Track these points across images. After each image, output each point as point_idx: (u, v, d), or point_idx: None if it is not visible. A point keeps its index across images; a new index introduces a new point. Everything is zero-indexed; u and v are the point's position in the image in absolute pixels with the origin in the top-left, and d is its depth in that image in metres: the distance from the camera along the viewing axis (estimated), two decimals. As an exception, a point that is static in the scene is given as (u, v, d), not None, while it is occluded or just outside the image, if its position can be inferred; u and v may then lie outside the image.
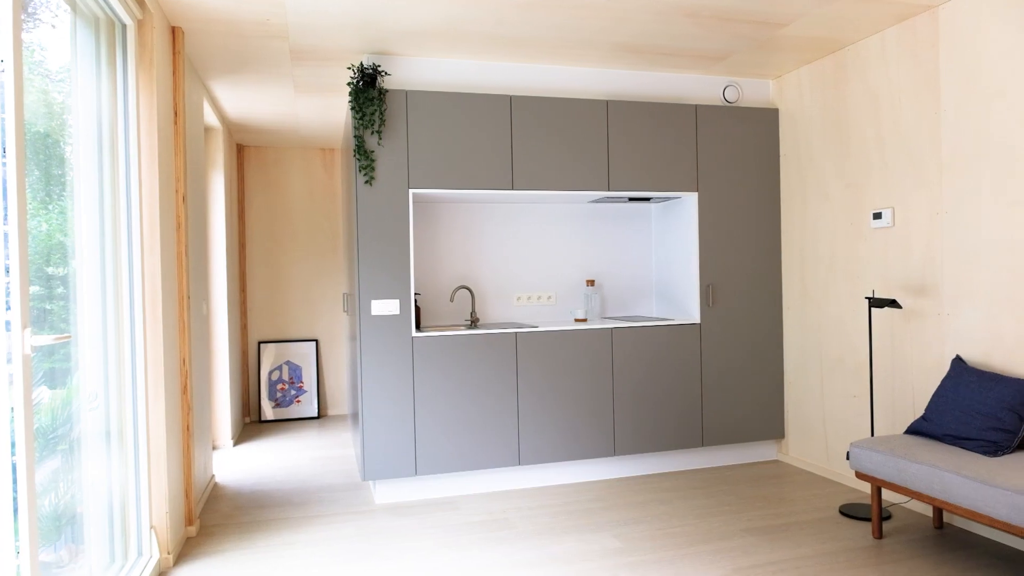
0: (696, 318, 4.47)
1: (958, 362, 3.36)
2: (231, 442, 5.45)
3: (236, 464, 4.94)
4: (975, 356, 3.36)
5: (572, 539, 3.37)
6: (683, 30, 3.78)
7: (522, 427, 4.13)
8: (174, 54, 3.48)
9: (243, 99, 4.93)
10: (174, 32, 3.49)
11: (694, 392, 4.45)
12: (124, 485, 2.98)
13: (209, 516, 3.83)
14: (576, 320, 4.51)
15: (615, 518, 3.65)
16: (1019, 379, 3.07)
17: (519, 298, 4.69)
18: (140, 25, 3.06)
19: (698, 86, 4.67)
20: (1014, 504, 2.56)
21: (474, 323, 4.41)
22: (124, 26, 3.00)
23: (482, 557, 3.18)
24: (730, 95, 4.71)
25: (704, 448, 4.56)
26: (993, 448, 2.97)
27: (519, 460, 4.12)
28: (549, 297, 4.74)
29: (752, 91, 4.75)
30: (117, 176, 2.97)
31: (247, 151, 6.57)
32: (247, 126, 5.75)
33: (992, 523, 2.66)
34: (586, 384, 4.25)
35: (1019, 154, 3.13)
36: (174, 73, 3.48)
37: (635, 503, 3.89)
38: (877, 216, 3.88)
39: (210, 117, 5.07)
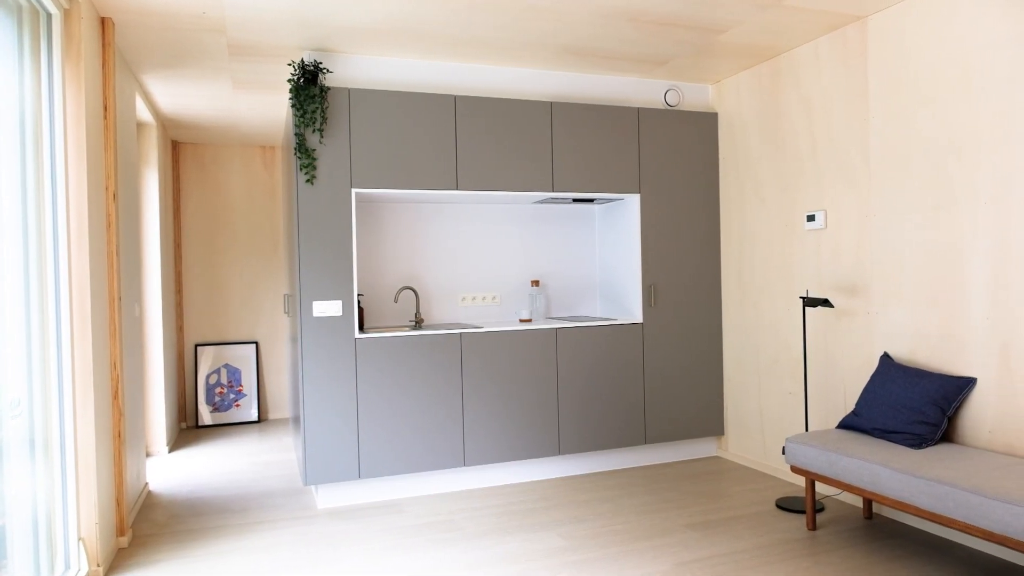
0: (638, 318, 4.54)
1: (886, 359, 3.50)
2: (166, 448, 5.27)
3: (171, 471, 4.78)
4: (902, 353, 3.51)
5: (517, 539, 3.38)
6: (625, 34, 3.84)
7: (467, 428, 4.12)
8: (104, 46, 3.34)
9: (178, 94, 4.77)
10: (104, 23, 3.35)
11: (637, 391, 4.52)
12: (50, 495, 2.85)
13: (142, 526, 3.69)
14: (521, 320, 4.53)
15: (560, 517, 3.67)
16: (942, 374, 3.22)
17: (464, 299, 4.68)
18: (67, 15, 2.93)
19: (640, 89, 4.74)
20: (937, 494, 2.68)
21: (419, 324, 4.38)
22: (49, 15, 2.87)
23: (427, 559, 3.16)
24: (671, 99, 4.80)
25: (647, 446, 4.64)
26: (918, 441, 3.11)
27: (464, 461, 4.11)
28: (494, 297, 4.74)
29: (692, 95, 4.85)
30: (42, 173, 2.84)
31: (183, 148, 6.37)
32: (183, 122, 5.57)
33: (918, 512, 2.78)
34: (531, 384, 4.26)
35: (941, 160, 3.28)
36: (104, 66, 3.34)
37: (580, 501, 3.92)
38: (810, 218, 4.01)
39: (143, 112, 4.90)
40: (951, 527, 2.65)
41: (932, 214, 3.34)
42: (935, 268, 3.33)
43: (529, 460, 4.34)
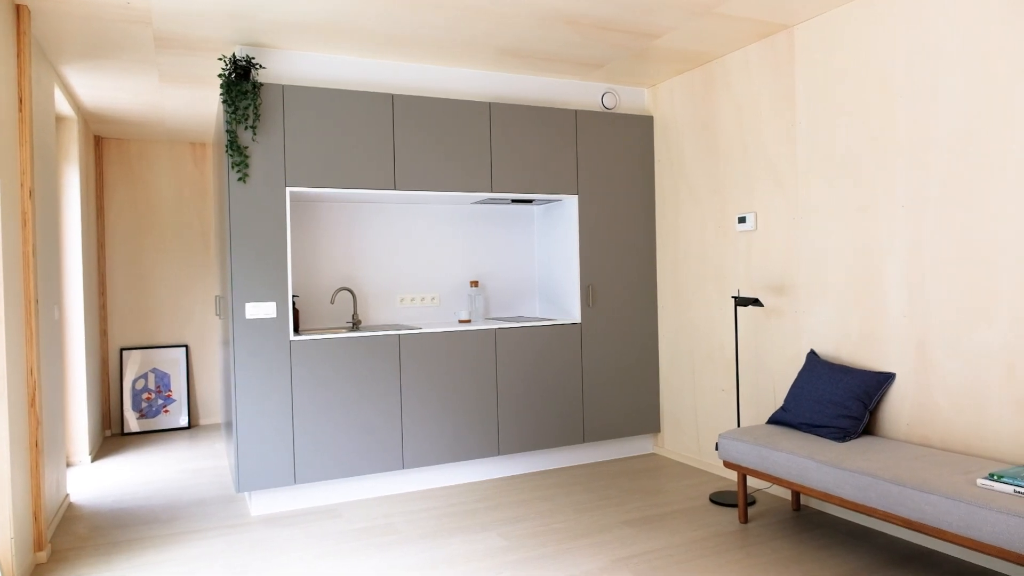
0: (577, 318, 4.59)
1: (812, 356, 3.64)
2: (89, 457, 5.04)
3: (94, 481, 4.58)
4: (827, 350, 3.65)
5: (457, 540, 3.36)
6: (563, 37, 3.87)
7: (406, 430, 4.08)
8: (19, 35, 3.17)
9: (101, 87, 4.57)
10: (19, 10, 3.18)
11: (575, 390, 4.56)
12: (-41, 510, 2.69)
13: (62, 539, 3.52)
14: (460, 321, 4.51)
15: (500, 517, 3.68)
16: (864, 370, 3.37)
17: (402, 299, 4.63)
18: (-23, 1, 2.77)
19: (578, 92, 4.79)
20: (859, 485, 2.80)
21: (356, 325, 4.31)
22: (-43, 1, 2.70)
23: (365, 565, 3.11)
24: (608, 102, 4.87)
25: (585, 444, 4.69)
26: (842, 434, 3.24)
27: (403, 464, 4.07)
28: (433, 298, 4.71)
29: (629, 98, 4.94)
30: (-51, 167, 2.67)
31: (106, 143, 6.11)
32: (106, 116, 5.34)
33: (842, 503, 2.89)
34: (470, 385, 4.25)
35: (862, 165, 3.43)
36: (19, 56, 3.17)
37: (519, 501, 3.93)
38: (741, 220, 4.13)
39: (63, 105, 4.67)
40: (873, 516, 2.77)
41: (854, 217, 3.48)
42: (857, 269, 3.47)
43: (468, 461, 4.33)
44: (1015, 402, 2.83)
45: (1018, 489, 2.40)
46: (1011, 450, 2.85)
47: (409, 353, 4.09)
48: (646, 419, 4.81)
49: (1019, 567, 2.82)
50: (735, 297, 3.85)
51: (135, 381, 6.10)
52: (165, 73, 4.30)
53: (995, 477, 2.47)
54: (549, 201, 4.71)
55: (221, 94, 3.70)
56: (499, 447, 4.33)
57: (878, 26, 3.33)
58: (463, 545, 3.31)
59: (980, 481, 2.51)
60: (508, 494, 4.07)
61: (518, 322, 4.48)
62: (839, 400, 3.31)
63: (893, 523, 2.69)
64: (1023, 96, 2.78)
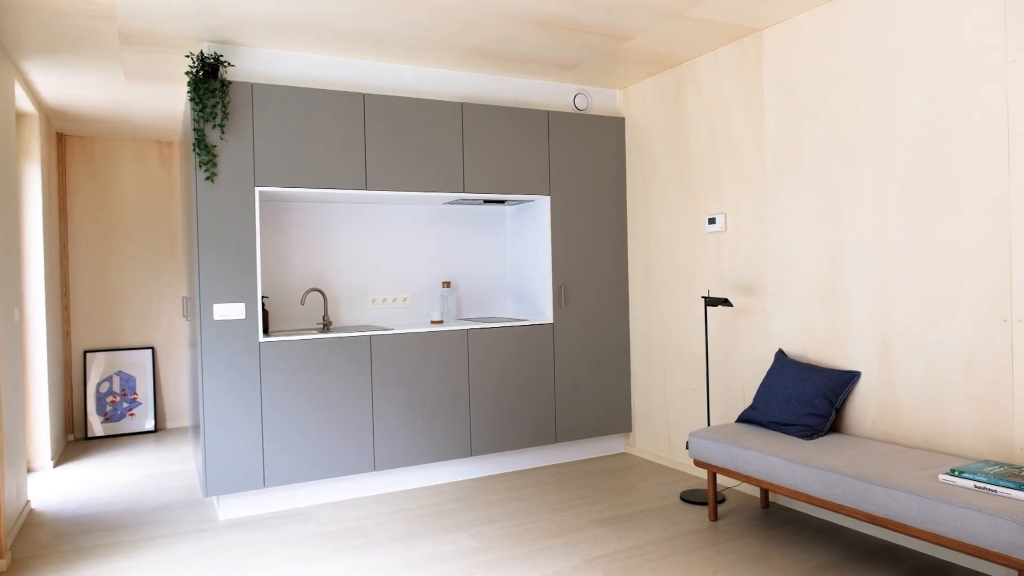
0: (549, 318, 4.60)
1: (780, 355, 3.69)
2: (51, 463, 4.92)
3: (57, 487, 4.47)
4: (794, 349, 3.70)
5: (429, 542, 3.35)
6: (534, 38, 3.88)
7: (377, 431, 4.05)
8: (-24, 29, 3.09)
9: (64, 84, 4.47)
10: (-24, 4, 3.10)
11: (548, 390, 4.57)
12: (-87, 518, 2.60)
13: (23, 547, 3.43)
14: (432, 322, 4.50)
15: (472, 518, 3.67)
16: (830, 369, 3.43)
17: (374, 300, 4.60)
18: (-68, -7, 2.69)
19: (550, 93, 4.81)
20: (826, 482, 2.84)
21: (327, 326, 4.27)
22: (-89, -7, 2.62)
23: (335, 568, 3.08)
24: (580, 103, 4.89)
25: (557, 444, 4.70)
26: (809, 432, 3.29)
27: (375, 465, 4.04)
28: (405, 299, 4.69)
29: (600, 100, 4.96)
30: (-97, 164, 2.59)
31: (69, 141, 5.97)
32: (69, 114, 5.23)
33: (810, 500, 2.94)
34: (442, 386, 4.24)
35: (828, 169, 3.49)
36: (-24, 50, 3.09)
37: (491, 502, 3.93)
38: (712, 221, 4.18)
39: (24, 102, 4.56)
40: (839, 512, 2.82)
41: (820, 218, 3.54)
42: (823, 269, 3.53)
43: (441, 462, 4.31)
44: (975, 399, 2.90)
45: (978, 484, 2.46)
46: (971, 446, 2.92)
47: (380, 354, 4.06)
48: (618, 419, 4.83)
49: (979, 560, 2.89)
50: (705, 297, 3.89)
51: (99, 384, 5.97)
52: (131, 70, 4.22)
53: (956, 473, 2.53)
54: (521, 202, 4.72)
55: (189, 92, 3.64)
56: (471, 448, 4.32)
57: (844, 30, 3.39)
58: (435, 547, 3.29)
59: (942, 477, 2.57)
60: (480, 495, 4.06)
61: (490, 323, 4.48)
62: (807, 398, 3.36)
63: (859, 519, 2.74)
64: (985, 98, 2.85)
